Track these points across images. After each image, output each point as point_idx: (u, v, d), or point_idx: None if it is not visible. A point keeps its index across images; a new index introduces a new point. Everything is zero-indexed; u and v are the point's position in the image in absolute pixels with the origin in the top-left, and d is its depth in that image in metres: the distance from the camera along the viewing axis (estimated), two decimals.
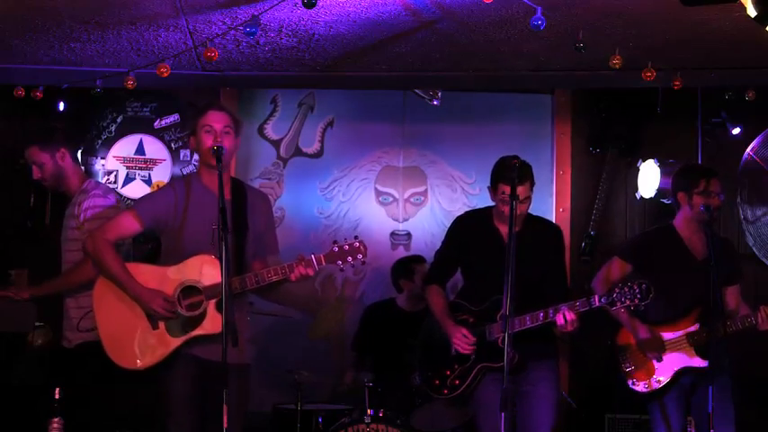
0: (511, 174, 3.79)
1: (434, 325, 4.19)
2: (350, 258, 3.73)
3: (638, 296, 3.76)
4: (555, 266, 4.16)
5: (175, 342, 3.70)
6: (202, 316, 3.69)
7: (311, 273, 3.70)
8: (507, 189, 3.86)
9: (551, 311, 3.85)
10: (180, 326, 3.70)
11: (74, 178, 4.39)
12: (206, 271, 3.68)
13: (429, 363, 4.19)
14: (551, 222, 4.52)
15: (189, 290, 3.71)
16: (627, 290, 3.78)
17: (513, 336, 3.80)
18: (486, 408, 3.98)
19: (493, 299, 3.97)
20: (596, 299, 3.83)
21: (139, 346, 3.73)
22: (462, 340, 3.99)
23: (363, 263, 3.80)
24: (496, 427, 3.87)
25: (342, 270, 3.81)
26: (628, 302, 3.78)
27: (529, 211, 4.09)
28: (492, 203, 4.14)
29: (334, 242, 3.76)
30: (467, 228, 4.23)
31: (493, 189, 4.05)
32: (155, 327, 3.72)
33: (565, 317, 3.80)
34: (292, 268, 3.67)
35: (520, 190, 3.84)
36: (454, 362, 4.07)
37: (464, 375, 4.04)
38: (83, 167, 4.96)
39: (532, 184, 4.00)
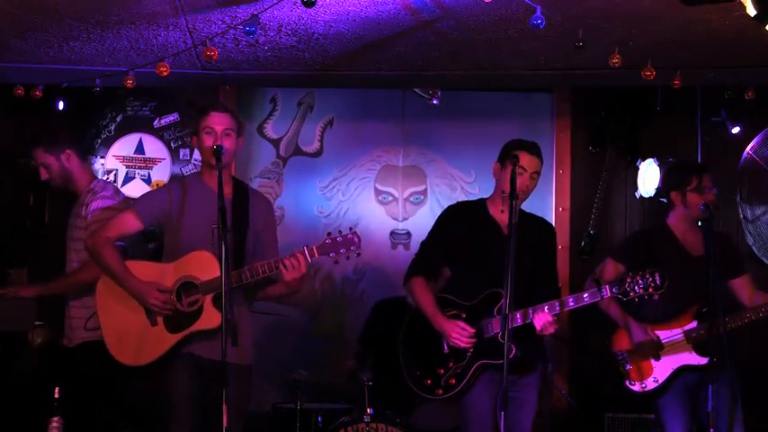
0: (524, 145, 3.82)
1: (420, 321, 3.96)
2: (343, 250, 3.67)
3: (652, 285, 3.64)
4: (547, 264, 4.02)
5: (174, 338, 3.70)
6: (199, 311, 3.69)
7: (302, 261, 3.64)
8: (523, 155, 3.82)
9: (530, 311, 3.73)
10: (178, 322, 3.71)
11: (81, 178, 4.40)
12: (202, 267, 3.68)
13: (416, 362, 3.98)
14: (545, 220, 4.31)
15: (186, 286, 3.72)
16: (639, 279, 3.65)
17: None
18: (472, 408, 3.84)
19: (487, 293, 3.82)
20: (607, 289, 3.70)
21: (140, 343, 3.74)
22: (461, 333, 3.80)
23: (358, 255, 3.72)
24: (485, 427, 3.81)
25: (336, 263, 3.73)
26: (642, 292, 3.65)
27: (523, 208, 3.99)
28: (486, 196, 4.05)
29: (328, 234, 3.72)
30: (461, 218, 4.03)
31: (505, 159, 3.90)
32: (153, 323, 3.73)
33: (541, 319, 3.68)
34: (283, 262, 3.64)
35: (535, 162, 3.86)
36: (448, 360, 3.88)
37: (461, 373, 3.85)
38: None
39: (542, 164, 3.93)
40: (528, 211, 4.08)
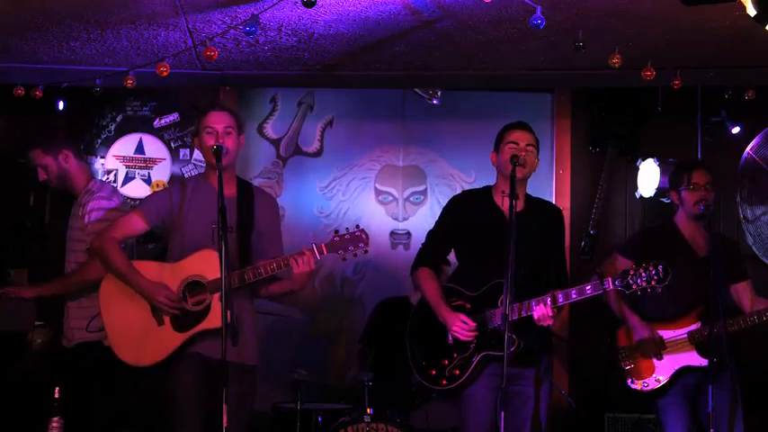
0: (511, 124, 3.85)
1: (425, 311, 3.93)
2: (351, 247, 3.72)
3: (656, 278, 3.58)
4: (556, 250, 3.98)
5: (181, 337, 3.71)
6: (206, 310, 3.70)
7: (312, 259, 3.69)
8: (511, 132, 3.86)
9: (533, 303, 3.68)
10: (185, 321, 3.72)
11: (79, 178, 4.39)
12: (209, 266, 3.69)
13: (422, 352, 3.93)
14: (552, 203, 4.28)
15: (193, 285, 3.73)
16: (642, 271, 3.60)
17: (514, 324, 3.62)
18: (471, 400, 3.81)
19: (491, 283, 3.77)
20: (609, 282, 3.64)
21: (146, 342, 3.74)
22: (462, 327, 3.75)
23: (366, 252, 3.76)
24: (483, 424, 3.78)
25: (344, 260, 3.77)
26: (644, 284, 3.59)
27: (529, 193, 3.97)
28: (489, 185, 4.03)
29: (336, 231, 3.77)
30: (465, 206, 4.00)
31: (498, 144, 3.92)
32: (160, 323, 3.74)
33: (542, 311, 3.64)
34: (294, 259, 3.67)
35: (525, 135, 3.86)
36: (452, 351, 3.82)
37: (465, 365, 3.80)
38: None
39: (536, 140, 3.91)
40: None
